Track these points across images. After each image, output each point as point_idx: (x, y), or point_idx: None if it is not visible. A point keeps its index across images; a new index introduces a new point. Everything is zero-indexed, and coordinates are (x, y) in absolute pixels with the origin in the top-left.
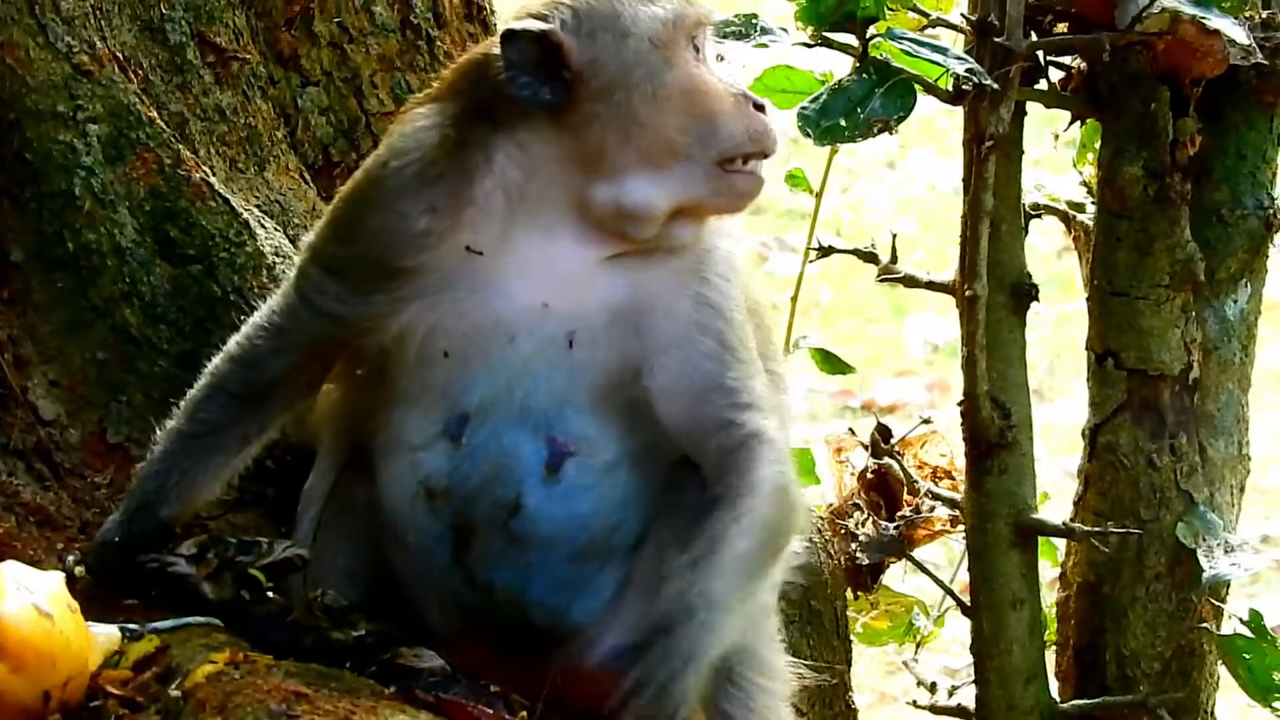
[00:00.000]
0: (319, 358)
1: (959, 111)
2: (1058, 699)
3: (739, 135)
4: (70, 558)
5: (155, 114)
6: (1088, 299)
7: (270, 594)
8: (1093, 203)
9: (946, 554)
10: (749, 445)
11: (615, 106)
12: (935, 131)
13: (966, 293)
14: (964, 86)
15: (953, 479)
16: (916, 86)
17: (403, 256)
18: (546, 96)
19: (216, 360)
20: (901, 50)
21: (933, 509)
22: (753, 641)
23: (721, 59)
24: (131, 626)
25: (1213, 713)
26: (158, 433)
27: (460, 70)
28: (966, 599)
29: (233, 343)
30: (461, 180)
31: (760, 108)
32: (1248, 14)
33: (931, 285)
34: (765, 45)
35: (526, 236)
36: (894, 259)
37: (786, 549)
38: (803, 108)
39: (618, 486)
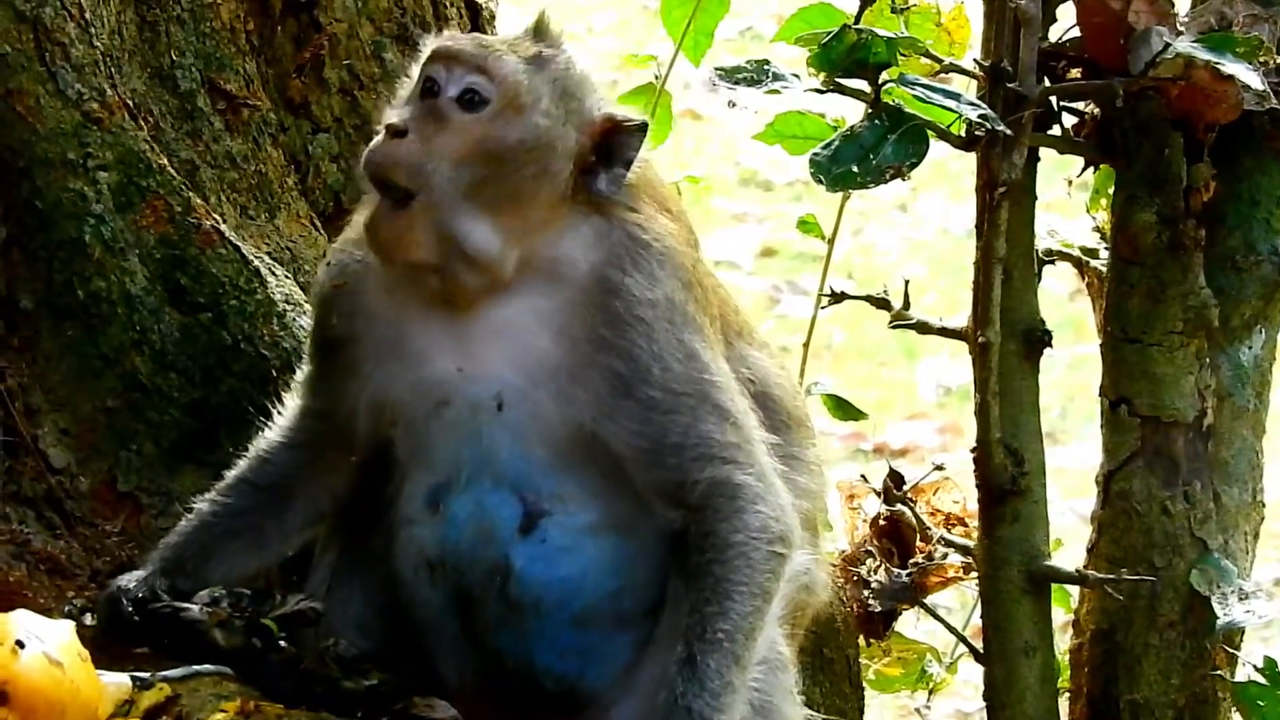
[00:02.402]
0: (329, 461)
1: (971, 155)
2: None
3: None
4: (80, 604)
5: (165, 161)
6: (1101, 345)
7: (282, 643)
8: (1106, 248)
9: (960, 600)
10: (713, 502)
11: None
12: (947, 175)
13: (979, 340)
14: (976, 132)
15: (965, 526)
16: (929, 132)
17: (336, 332)
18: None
19: (242, 459)
20: (914, 96)
21: (945, 556)
22: (769, 694)
23: (732, 105)
24: (142, 675)
25: None
26: (186, 514)
27: None
28: (980, 645)
29: (254, 442)
30: (361, 265)
31: (397, 134)
32: (1262, 59)
33: (944, 331)
34: (777, 91)
35: (424, 303)
36: (906, 305)
37: (780, 584)
38: (815, 154)
39: (606, 549)
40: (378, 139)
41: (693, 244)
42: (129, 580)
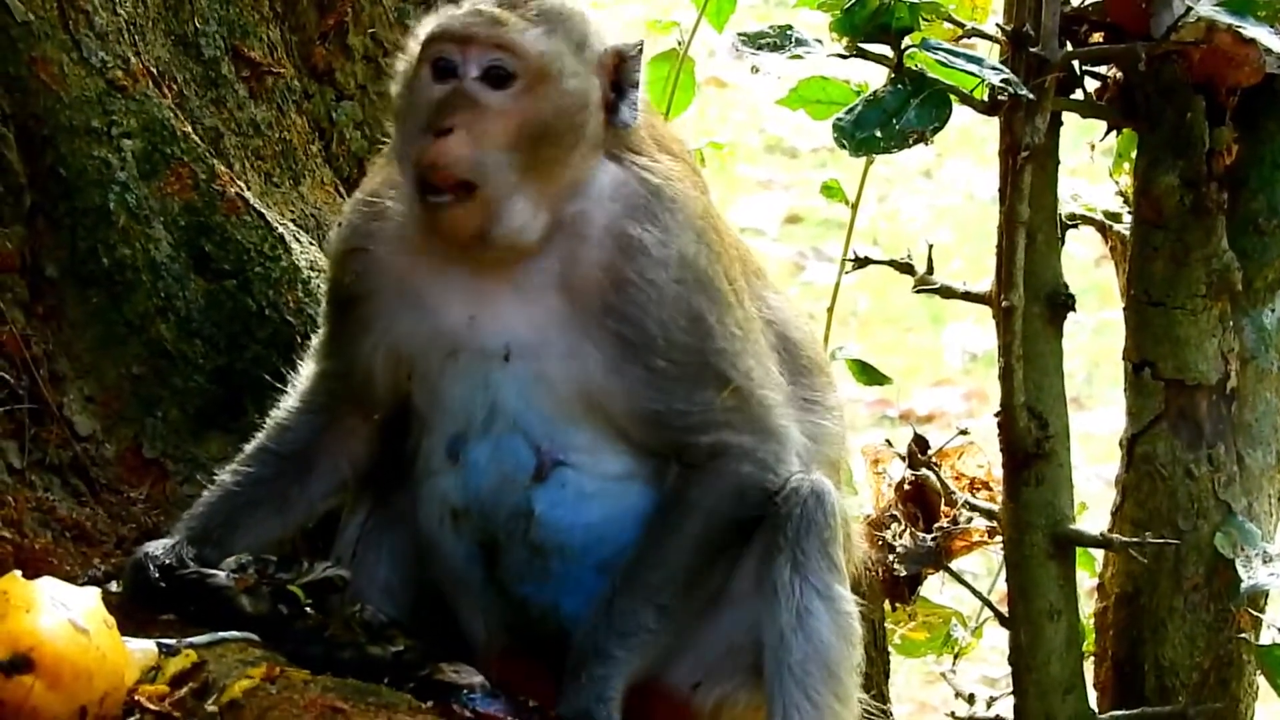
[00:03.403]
0: (349, 424)
1: (995, 120)
2: (1096, 710)
3: (401, 151)
4: (106, 571)
5: (189, 129)
6: (1124, 309)
7: (308, 609)
8: (1129, 212)
9: (985, 564)
10: (703, 464)
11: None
12: (973, 140)
13: (1003, 304)
14: (999, 97)
15: (990, 490)
16: (952, 97)
17: (351, 289)
18: None
19: (263, 428)
20: (936, 61)
21: (970, 520)
22: (836, 666)
23: (755, 71)
24: (168, 642)
25: None
26: (210, 484)
27: None
28: (1005, 609)
29: (274, 410)
30: (377, 222)
31: (442, 133)
32: None
33: (968, 296)
34: (800, 57)
35: (443, 256)
36: (930, 270)
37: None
38: (838, 119)
39: (630, 498)
40: (415, 138)
41: (703, 186)
42: (155, 547)
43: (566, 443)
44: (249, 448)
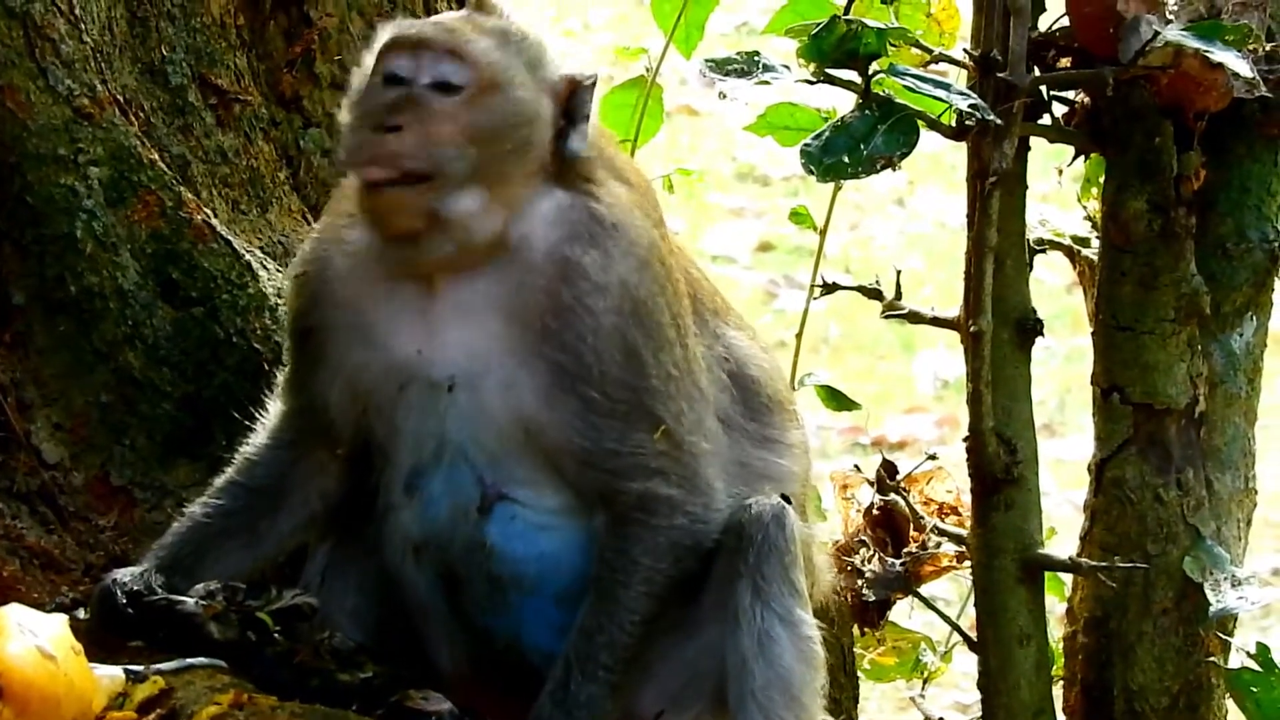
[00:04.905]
0: (316, 459)
1: (966, 147)
2: None
3: (349, 147)
4: (74, 598)
5: (157, 156)
6: (1093, 333)
7: (276, 636)
8: (1097, 237)
9: (956, 590)
10: (633, 516)
11: None
12: (943, 168)
13: (971, 329)
14: (967, 122)
15: (959, 515)
16: (919, 122)
17: (307, 321)
18: None
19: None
20: (904, 86)
21: (939, 545)
22: (799, 691)
23: (724, 96)
24: (135, 668)
25: None
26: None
27: None
28: (975, 635)
29: (243, 445)
30: (331, 252)
31: (391, 129)
32: (1251, 47)
33: (936, 321)
34: (767, 82)
35: (390, 285)
36: (898, 295)
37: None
38: (806, 145)
39: (581, 531)
40: (363, 136)
41: (656, 218)
42: (124, 574)
43: (509, 476)
44: (218, 481)
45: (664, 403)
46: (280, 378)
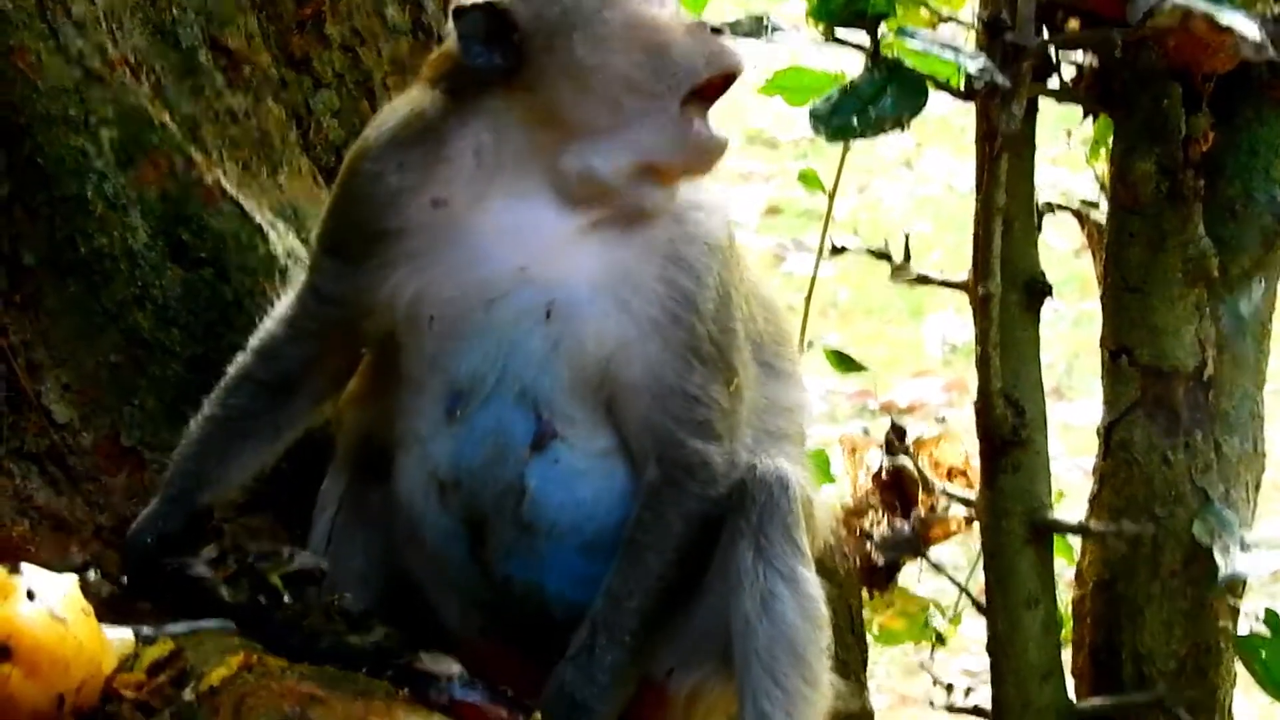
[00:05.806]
0: (337, 350)
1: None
2: (1074, 698)
3: (695, 60)
4: (84, 560)
5: (167, 118)
6: (1101, 296)
7: (286, 598)
8: (1106, 199)
9: (966, 554)
10: (677, 477)
11: (562, 56)
12: (952, 131)
13: (980, 291)
14: (975, 84)
15: (968, 478)
16: (928, 84)
17: (381, 218)
18: (498, 61)
19: (242, 353)
20: (912, 48)
21: (948, 508)
22: (802, 649)
23: None
24: (146, 630)
25: (1230, 710)
26: (191, 424)
27: (436, 55)
28: (984, 601)
29: (255, 336)
30: (433, 141)
31: (717, 31)
32: (1259, 9)
33: (945, 284)
34: (774, 42)
35: (504, 200)
36: (907, 258)
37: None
38: (814, 106)
39: (617, 477)
40: (718, 38)
41: None
42: (146, 519)
43: (570, 414)
44: (231, 376)
45: (738, 357)
46: (312, 265)
